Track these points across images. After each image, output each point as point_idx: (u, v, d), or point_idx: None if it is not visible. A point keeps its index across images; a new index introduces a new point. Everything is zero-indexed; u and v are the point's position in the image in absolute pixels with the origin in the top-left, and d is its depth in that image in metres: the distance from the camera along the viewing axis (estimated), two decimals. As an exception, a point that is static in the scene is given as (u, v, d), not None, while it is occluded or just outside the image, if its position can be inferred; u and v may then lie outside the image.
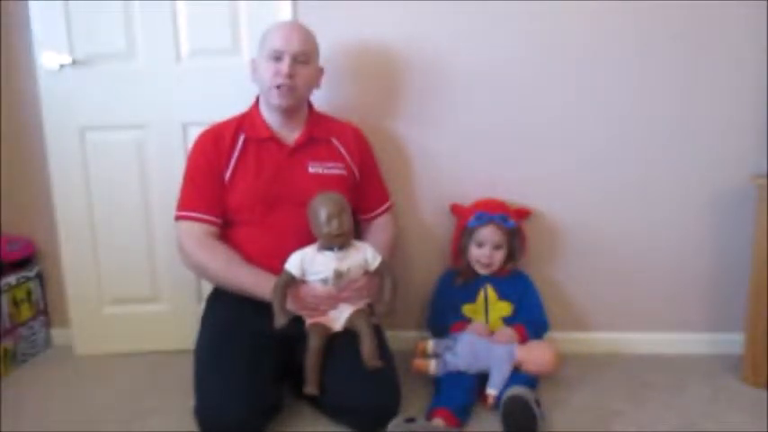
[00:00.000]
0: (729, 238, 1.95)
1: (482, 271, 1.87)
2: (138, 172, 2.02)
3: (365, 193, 1.86)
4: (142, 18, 1.94)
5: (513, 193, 1.96)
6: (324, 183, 1.71)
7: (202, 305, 1.85)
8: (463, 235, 1.88)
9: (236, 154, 1.72)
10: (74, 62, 1.95)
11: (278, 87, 1.67)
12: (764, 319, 1.76)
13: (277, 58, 1.66)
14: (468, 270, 1.89)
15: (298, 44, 1.67)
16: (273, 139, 1.74)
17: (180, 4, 1.94)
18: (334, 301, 1.62)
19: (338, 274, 1.58)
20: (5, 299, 2.02)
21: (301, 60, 1.68)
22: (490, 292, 1.87)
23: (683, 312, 2.02)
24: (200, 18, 1.94)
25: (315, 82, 1.77)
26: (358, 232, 1.85)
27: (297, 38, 1.67)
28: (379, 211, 1.89)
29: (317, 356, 1.57)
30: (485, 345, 1.70)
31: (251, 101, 1.80)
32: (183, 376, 1.67)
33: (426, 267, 2.04)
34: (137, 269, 2.07)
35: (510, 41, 1.92)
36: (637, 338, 2.03)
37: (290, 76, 1.65)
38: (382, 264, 1.64)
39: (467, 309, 1.87)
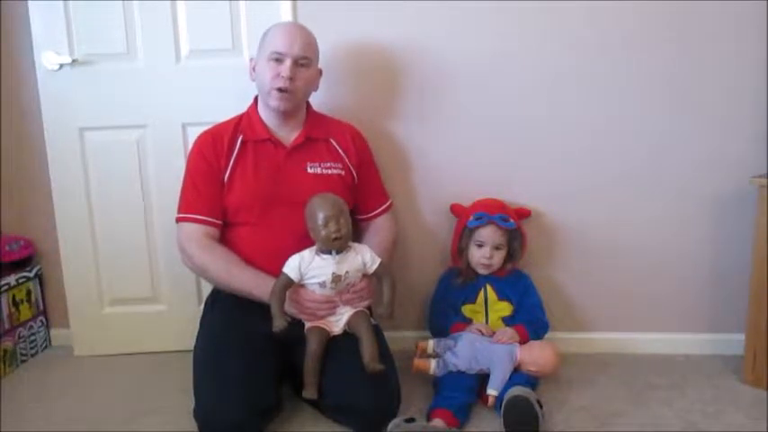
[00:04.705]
0: (729, 238, 1.95)
1: (482, 271, 1.87)
2: (138, 172, 2.02)
3: (364, 194, 1.85)
4: (142, 18, 1.94)
5: (513, 194, 1.96)
6: (322, 183, 1.72)
7: (202, 306, 1.86)
8: (463, 235, 1.88)
9: (234, 155, 1.72)
10: (73, 62, 1.95)
11: (278, 90, 1.66)
12: (765, 319, 1.76)
13: (278, 60, 1.66)
14: (468, 270, 1.88)
15: (300, 48, 1.67)
16: (271, 139, 1.74)
17: (180, 5, 1.94)
18: (333, 305, 1.61)
19: (336, 278, 1.57)
20: (5, 299, 2.01)
21: (302, 64, 1.68)
22: (490, 292, 1.86)
23: (684, 312, 2.02)
24: (200, 18, 1.94)
25: (314, 84, 1.77)
26: (357, 232, 1.85)
27: (299, 41, 1.67)
28: (378, 211, 1.89)
29: (316, 360, 1.57)
30: (485, 345, 1.70)
31: (251, 101, 1.80)
32: (183, 376, 1.67)
33: (426, 267, 2.04)
34: (137, 269, 2.07)
35: (510, 41, 1.91)
36: (637, 338, 2.03)
37: (291, 79, 1.65)
38: (381, 266, 1.64)
39: (467, 309, 1.87)
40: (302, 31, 1.71)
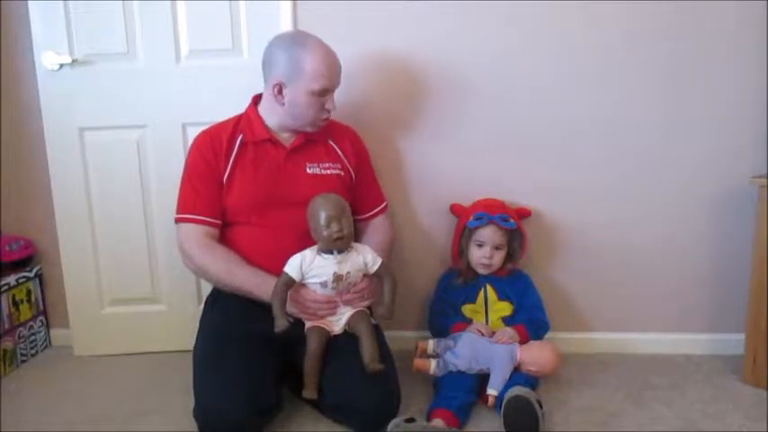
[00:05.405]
0: (729, 238, 1.95)
1: (482, 271, 1.87)
2: (138, 172, 2.02)
3: (361, 194, 1.86)
4: (142, 18, 1.94)
5: (513, 193, 1.96)
6: (321, 183, 1.72)
7: (202, 306, 1.85)
8: (463, 235, 1.88)
9: (233, 156, 1.72)
10: (73, 62, 1.95)
11: (324, 120, 1.72)
12: (764, 319, 1.76)
13: (321, 94, 1.68)
14: (469, 270, 1.88)
15: (339, 77, 1.71)
16: (271, 140, 1.74)
17: (180, 4, 1.94)
18: (333, 305, 1.61)
19: (337, 278, 1.57)
20: (5, 299, 2.01)
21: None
22: (490, 292, 1.86)
23: (683, 312, 2.02)
24: (200, 18, 1.94)
25: None
26: (355, 233, 1.85)
27: (338, 71, 1.70)
28: (375, 211, 1.90)
29: (316, 360, 1.57)
30: (485, 345, 1.70)
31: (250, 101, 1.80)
32: (183, 376, 1.66)
33: (426, 267, 2.04)
34: (137, 269, 2.07)
35: (510, 41, 1.91)
36: (637, 338, 2.03)
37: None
38: (382, 266, 1.64)
39: (467, 309, 1.87)
40: (336, 58, 1.70)
